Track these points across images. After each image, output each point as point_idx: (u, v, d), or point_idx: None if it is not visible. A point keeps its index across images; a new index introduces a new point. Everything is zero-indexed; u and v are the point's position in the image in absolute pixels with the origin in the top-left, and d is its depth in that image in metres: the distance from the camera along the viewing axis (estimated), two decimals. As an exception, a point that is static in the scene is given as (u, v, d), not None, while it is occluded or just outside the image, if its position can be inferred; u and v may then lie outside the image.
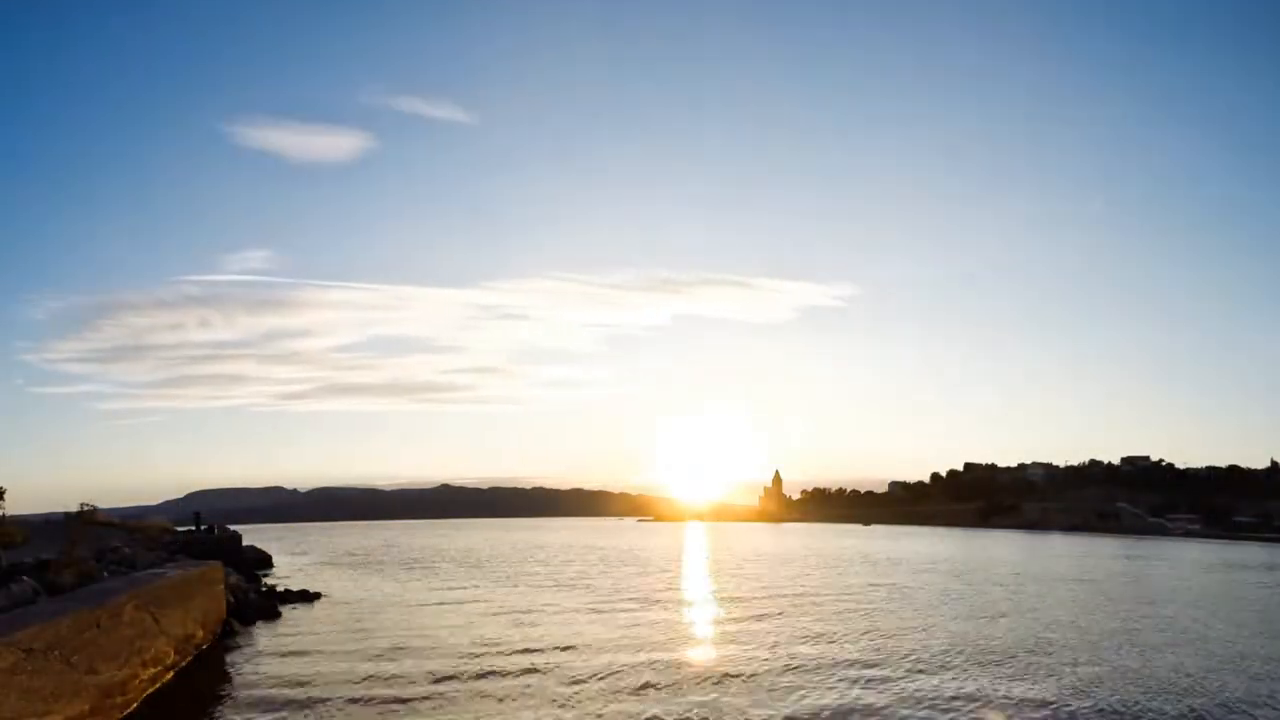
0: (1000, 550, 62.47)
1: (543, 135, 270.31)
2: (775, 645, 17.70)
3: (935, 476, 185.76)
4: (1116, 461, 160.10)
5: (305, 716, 11.94)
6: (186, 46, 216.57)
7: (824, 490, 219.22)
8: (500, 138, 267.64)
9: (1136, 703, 12.69)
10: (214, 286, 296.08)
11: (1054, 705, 12.46)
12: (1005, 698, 12.98)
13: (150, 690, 12.47)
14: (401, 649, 17.27)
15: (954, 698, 12.92)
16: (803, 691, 13.36)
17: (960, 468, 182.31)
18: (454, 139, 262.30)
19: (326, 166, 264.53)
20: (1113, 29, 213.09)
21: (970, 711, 12.20)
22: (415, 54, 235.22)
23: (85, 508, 26.83)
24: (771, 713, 12.10)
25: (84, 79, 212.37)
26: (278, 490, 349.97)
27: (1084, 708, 12.34)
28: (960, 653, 16.84)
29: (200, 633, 16.51)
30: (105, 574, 16.04)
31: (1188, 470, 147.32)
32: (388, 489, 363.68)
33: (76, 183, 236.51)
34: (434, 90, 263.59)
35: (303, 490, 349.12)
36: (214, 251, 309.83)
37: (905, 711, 12.15)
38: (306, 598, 26.79)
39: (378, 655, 16.56)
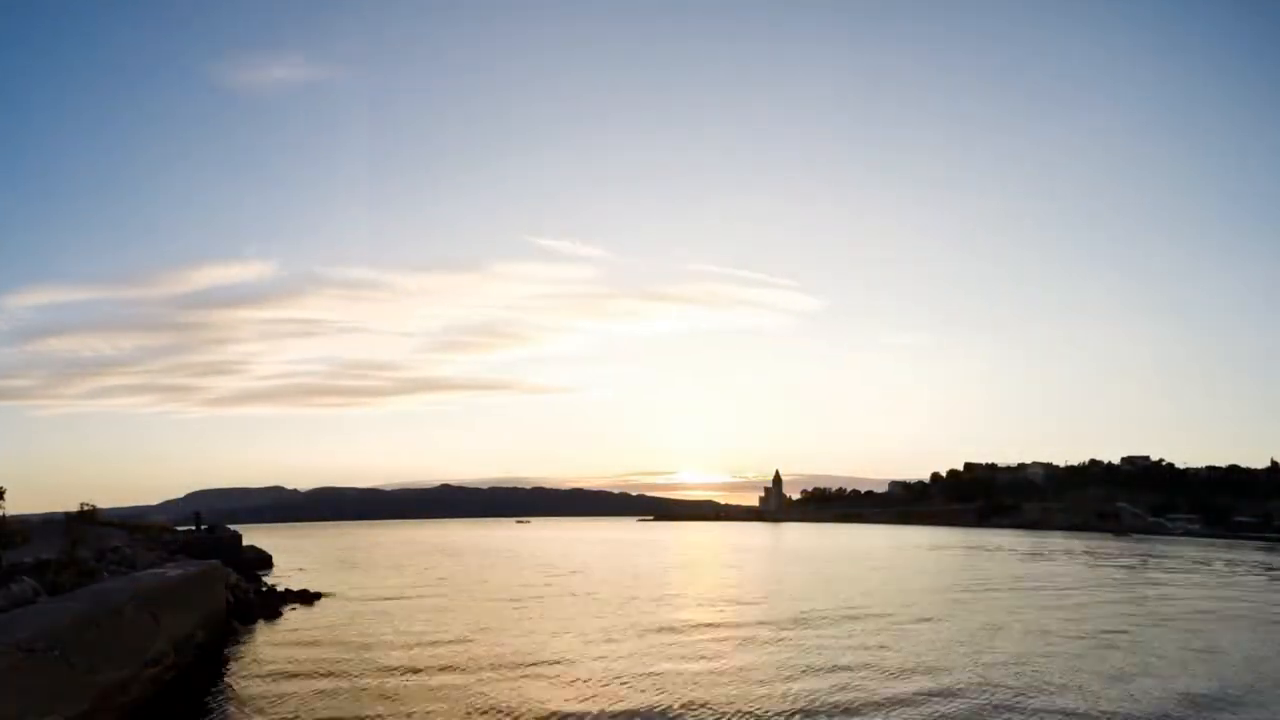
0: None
1: (550, 140, 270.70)
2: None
3: (935, 476, 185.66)
4: (1116, 461, 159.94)
5: (305, 716, 11.94)
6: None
7: (824, 490, 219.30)
8: (513, 140, 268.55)
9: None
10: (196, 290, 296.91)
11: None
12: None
13: (150, 690, 12.46)
14: (401, 649, 17.27)
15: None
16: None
17: (960, 468, 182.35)
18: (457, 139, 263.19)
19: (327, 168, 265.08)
20: (1096, 29, 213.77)
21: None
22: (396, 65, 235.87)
23: (85, 507, 26.80)
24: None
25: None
26: (278, 490, 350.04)
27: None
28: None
29: (201, 633, 16.49)
30: (105, 574, 16.05)
31: (1188, 470, 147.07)
32: (388, 489, 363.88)
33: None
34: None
35: (303, 490, 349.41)
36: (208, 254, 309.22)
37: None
38: (306, 598, 26.77)
39: (378, 655, 16.56)
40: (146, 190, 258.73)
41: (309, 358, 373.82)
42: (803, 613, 22.85)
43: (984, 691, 13.21)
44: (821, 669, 15.06)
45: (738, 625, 20.68)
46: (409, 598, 27.66)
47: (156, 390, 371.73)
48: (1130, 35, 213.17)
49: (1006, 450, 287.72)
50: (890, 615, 22.33)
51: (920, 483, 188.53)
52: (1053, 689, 13.38)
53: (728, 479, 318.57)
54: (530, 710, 12.17)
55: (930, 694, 13.06)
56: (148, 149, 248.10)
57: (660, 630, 19.82)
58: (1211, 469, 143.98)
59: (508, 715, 11.97)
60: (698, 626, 20.51)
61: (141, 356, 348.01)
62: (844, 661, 15.76)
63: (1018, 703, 12.51)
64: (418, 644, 17.92)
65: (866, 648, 17.27)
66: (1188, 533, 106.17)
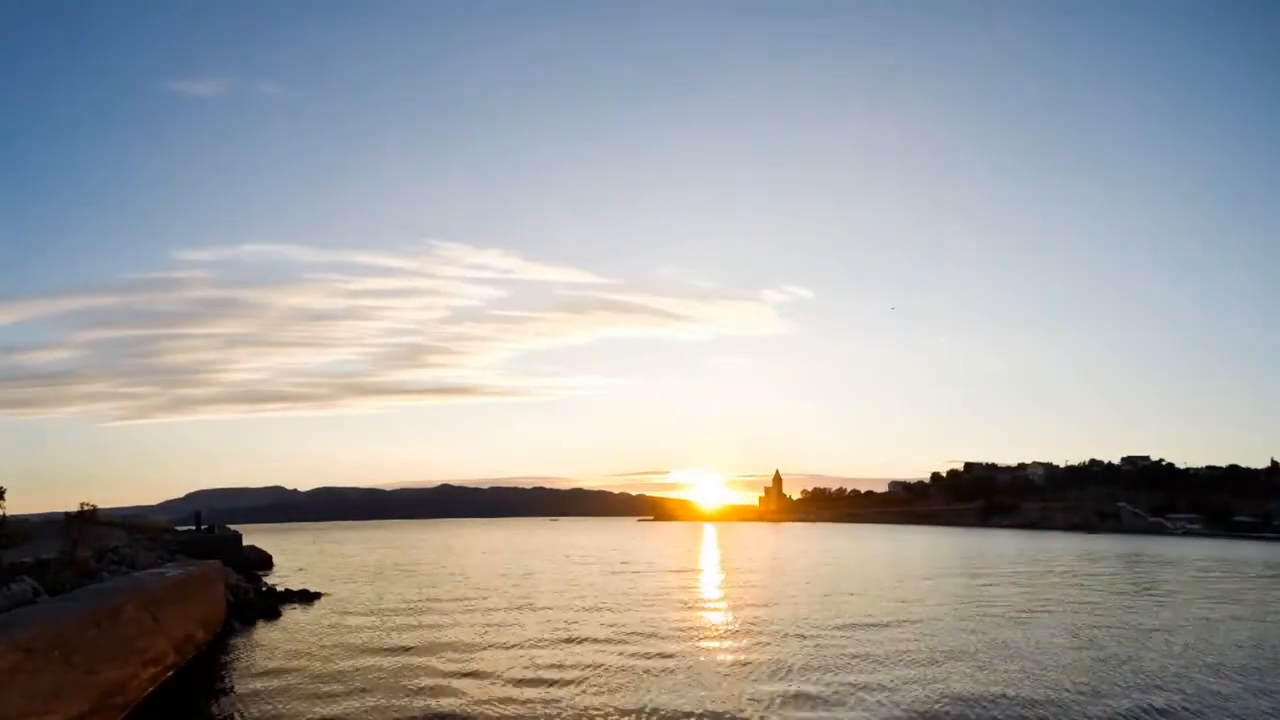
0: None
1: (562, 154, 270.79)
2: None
3: (935, 476, 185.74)
4: (1116, 461, 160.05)
5: (305, 715, 11.94)
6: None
7: (824, 490, 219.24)
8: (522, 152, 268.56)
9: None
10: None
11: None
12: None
13: (150, 690, 12.49)
14: (401, 648, 17.29)
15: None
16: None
17: (960, 468, 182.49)
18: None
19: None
20: (1087, 30, 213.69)
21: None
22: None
23: (85, 507, 26.76)
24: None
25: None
26: (278, 490, 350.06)
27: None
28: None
29: (200, 632, 16.52)
30: (105, 574, 16.06)
31: (1188, 470, 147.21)
32: (388, 489, 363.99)
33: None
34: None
35: (303, 490, 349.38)
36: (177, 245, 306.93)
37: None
38: (306, 598, 26.80)
39: (377, 654, 16.58)
40: (119, 196, 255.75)
41: (307, 359, 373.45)
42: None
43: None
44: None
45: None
46: (408, 596, 27.66)
47: (146, 394, 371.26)
48: (1131, 28, 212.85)
49: (1006, 450, 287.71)
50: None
51: (920, 483, 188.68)
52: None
53: (728, 479, 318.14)
54: (529, 704, 12.22)
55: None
56: (119, 154, 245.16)
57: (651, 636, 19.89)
58: (1211, 469, 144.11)
59: (506, 711, 12.01)
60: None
61: (127, 361, 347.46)
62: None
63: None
64: (416, 642, 17.92)
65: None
66: (1188, 532, 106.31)
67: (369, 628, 20.49)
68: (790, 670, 14.95)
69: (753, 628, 20.20)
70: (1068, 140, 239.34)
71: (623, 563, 46.22)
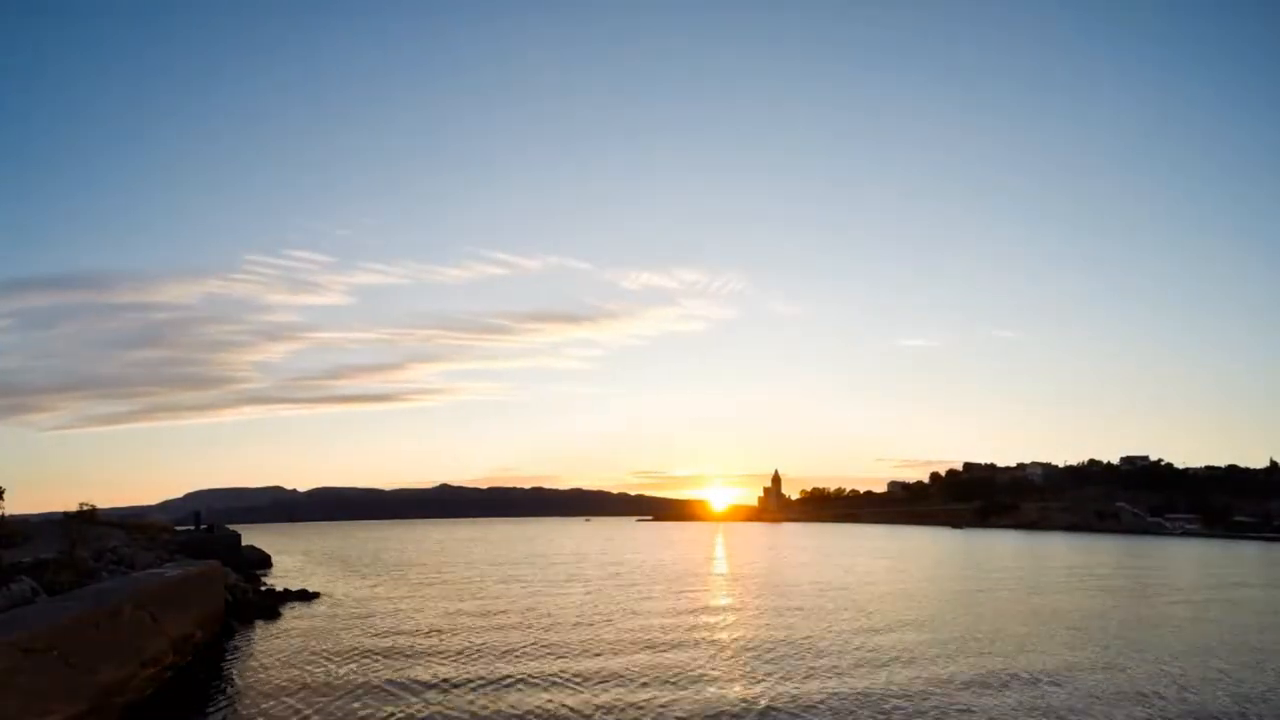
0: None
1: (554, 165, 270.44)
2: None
3: (935, 476, 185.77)
4: (1116, 461, 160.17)
5: (303, 715, 11.98)
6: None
7: (823, 490, 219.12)
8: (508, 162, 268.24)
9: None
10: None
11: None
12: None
13: (149, 690, 12.52)
14: (399, 648, 17.33)
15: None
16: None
17: (960, 468, 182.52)
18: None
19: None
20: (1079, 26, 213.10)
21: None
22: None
23: (84, 507, 26.80)
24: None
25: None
26: (278, 490, 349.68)
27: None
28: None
29: (199, 632, 16.54)
30: (104, 574, 16.11)
31: (1187, 470, 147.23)
32: (388, 489, 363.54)
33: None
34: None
35: (303, 490, 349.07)
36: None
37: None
38: (305, 597, 26.84)
39: (376, 654, 16.61)
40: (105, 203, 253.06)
41: (306, 360, 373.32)
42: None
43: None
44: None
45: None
46: (407, 596, 27.69)
47: (147, 395, 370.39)
48: (1141, 21, 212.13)
49: (1006, 450, 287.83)
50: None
51: (920, 483, 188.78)
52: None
53: (727, 479, 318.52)
54: (530, 704, 12.25)
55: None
56: (127, 156, 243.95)
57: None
58: (1211, 469, 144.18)
59: (506, 710, 12.04)
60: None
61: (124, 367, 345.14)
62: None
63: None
64: (415, 642, 17.97)
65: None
66: (1186, 533, 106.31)
67: (367, 627, 20.53)
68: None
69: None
70: (1068, 135, 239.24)
71: (613, 566, 46.19)
